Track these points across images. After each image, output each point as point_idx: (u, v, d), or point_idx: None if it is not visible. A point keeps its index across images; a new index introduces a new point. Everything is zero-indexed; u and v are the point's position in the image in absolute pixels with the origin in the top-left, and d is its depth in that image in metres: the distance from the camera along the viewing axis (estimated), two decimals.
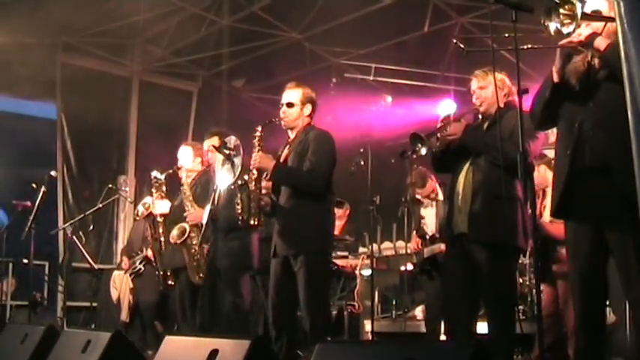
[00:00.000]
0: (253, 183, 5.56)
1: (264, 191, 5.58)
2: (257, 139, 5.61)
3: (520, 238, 4.90)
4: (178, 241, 6.61)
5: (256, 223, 5.59)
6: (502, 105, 5.07)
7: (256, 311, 7.43)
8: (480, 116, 5.22)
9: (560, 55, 4.00)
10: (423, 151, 5.13)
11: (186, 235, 6.60)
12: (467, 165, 5.08)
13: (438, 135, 5.13)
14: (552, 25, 3.70)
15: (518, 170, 3.62)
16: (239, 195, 5.63)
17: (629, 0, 2.85)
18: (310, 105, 5.72)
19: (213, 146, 6.47)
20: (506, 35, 4.00)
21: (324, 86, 10.96)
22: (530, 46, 3.98)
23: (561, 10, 3.68)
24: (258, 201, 5.55)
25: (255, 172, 5.55)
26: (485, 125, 5.18)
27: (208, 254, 6.57)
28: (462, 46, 4.61)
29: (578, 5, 3.62)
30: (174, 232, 6.64)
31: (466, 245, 5.00)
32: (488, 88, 5.11)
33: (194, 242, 6.61)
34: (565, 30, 3.67)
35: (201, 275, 6.56)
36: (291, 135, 5.75)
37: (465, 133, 5.04)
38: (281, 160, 5.68)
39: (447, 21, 10.16)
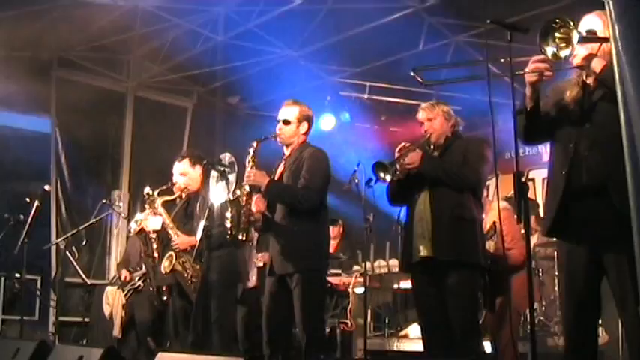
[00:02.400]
0: (244, 198, 5.58)
1: (255, 210, 5.61)
2: (251, 155, 5.63)
3: (481, 257, 5.21)
4: (168, 271, 6.61)
5: (244, 238, 5.61)
6: (450, 135, 5.46)
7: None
8: (432, 146, 5.46)
9: (529, 84, 4.04)
10: (388, 177, 5.32)
11: (173, 262, 6.59)
12: (425, 192, 5.30)
13: (397, 165, 5.32)
14: (549, 50, 3.71)
15: (514, 190, 3.63)
16: (229, 209, 5.63)
17: (624, 23, 2.87)
18: (307, 123, 5.76)
19: (208, 162, 6.48)
20: (502, 60, 4.01)
21: (319, 104, 11.00)
22: (524, 71, 3.98)
23: (557, 34, 3.69)
24: (248, 216, 5.57)
25: (247, 187, 5.57)
26: (437, 154, 5.44)
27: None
28: (419, 79, 4.67)
29: (574, 29, 3.63)
30: (165, 262, 6.64)
31: (430, 268, 5.18)
32: (436, 120, 5.44)
33: (187, 266, 6.59)
34: (562, 53, 3.68)
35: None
36: (286, 152, 5.77)
37: (422, 161, 5.26)
38: (276, 176, 5.70)
39: (441, 40, 10.20)
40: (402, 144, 5.41)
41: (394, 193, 5.50)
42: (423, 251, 5.18)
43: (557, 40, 3.70)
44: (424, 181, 5.29)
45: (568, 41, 3.66)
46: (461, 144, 5.38)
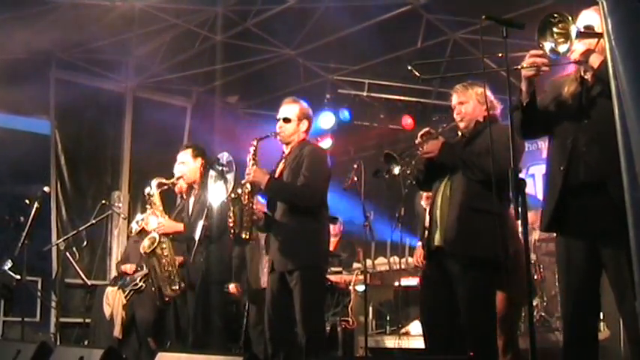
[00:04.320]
0: (246, 197, 5.58)
1: (256, 210, 5.60)
2: (252, 153, 5.62)
3: (497, 252, 4.79)
4: (148, 251, 6.57)
5: (247, 236, 5.60)
6: (481, 119, 5.11)
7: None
8: (460, 133, 5.23)
9: (525, 79, 4.02)
10: (396, 170, 5.13)
11: (155, 244, 6.56)
12: (445, 181, 5.09)
13: (418, 151, 5.12)
14: (547, 45, 3.71)
15: (510, 185, 3.60)
16: (231, 208, 5.64)
17: (616, 17, 2.87)
18: (307, 121, 5.78)
19: (206, 161, 6.48)
20: (500, 55, 3.99)
21: (318, 102, 11.00)
22: (521, 66, 3.97)
23: (555, 29, 3.69)
24: (250, 215, 5.57)
25: (248, 185, 5.57)
26: (464, 140, 5.17)
27: (181, 266, 6.55)
28: (417, 73, 4.57)
29: (572, 24, 3.63)
30: (145, 242, 6.62)
31: (443, 259, 4.99)
32: (468, 103, 5.13)
33: (165, 253, 6.57)
34: (560, 48, 3.69)
35: (173, 287, 6.52)
36: (286, 150, 5.78)
37: (441, 150, 5.01)
38: (276, 174, 5.70)
39: (439, 37, 10.20)
40: (426, 129, 5.22)
41: (421, 177, 5.28)
42: (438, 241, 5.01)
43: (555, 35, 3.70)
44: (445, 169, 5.09)
45: (566, 36, 3.66)
46: (492, 131, 4.78)
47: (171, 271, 6.55)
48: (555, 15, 3.70)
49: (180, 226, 6.65)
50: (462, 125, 5.17)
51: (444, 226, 4.97)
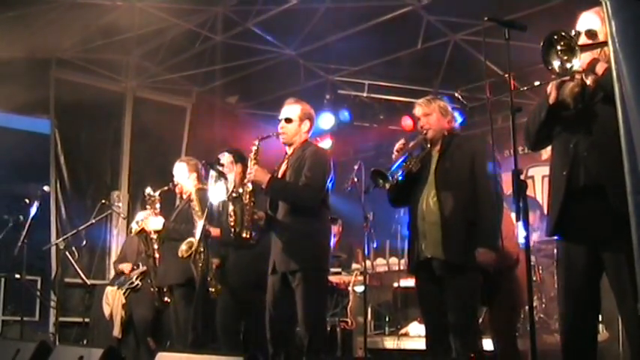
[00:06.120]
0: (247, 196, 5.57)
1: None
2: (253, 152, 5.62)
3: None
4: (185, 255, 6.53)
5: (248, 236, 5.59)
6: (446, 132, 5.32)
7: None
8: (429, 144, 5.33)
9: (554, 86, 4.04)
10: (387, 185, 5.18)
11: (193, 249, 6.52)
12: (426, 191, 5.17)
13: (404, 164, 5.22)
14: (555, 64, 3.72)
15: (513, 188, 3.62)
16: (232, 207, 5.63)
17: (621, 18, 2.86)
18: (308, 121, 5.77)
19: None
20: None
21: (318, 103, 10.99)
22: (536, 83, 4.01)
23: (558, 47, 3.70)
24: (251, 214, 5.56)
25: (249, 185, 5.57)
26: (437, 154, 5.29)
27: (218, 268, 6.49)
28: (464, 101, 4.65)
29: (575, 42, 3.63)
30: (183, 246, 6.56)
31: (435, 268, 5.05)
32: (432, 115, 5.33)
33: (202, 257, 6.53)
34: (568, 65, 3.70)
35: (211, 290, 6.45)
36: (289, 150, 5.77)
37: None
38: (278, 175, 5.69)
39: (440, 38, 10.20)
40: (401, 142, 5.33)
41: (395, 195, 5.39)
42: (427, 252, 5.07)
43: (560, 52, 3.71)
44: (424, 181, 5.21)
45: (571, 51, 3.66)
46: (460, 142, 5.27)
47: (209, 274, 6.50)
48: (555, 35, 3.71)
49: (216, 231, 6.58)
50: (429, 135, 5.31)
51: (443, 238, 5.01)
